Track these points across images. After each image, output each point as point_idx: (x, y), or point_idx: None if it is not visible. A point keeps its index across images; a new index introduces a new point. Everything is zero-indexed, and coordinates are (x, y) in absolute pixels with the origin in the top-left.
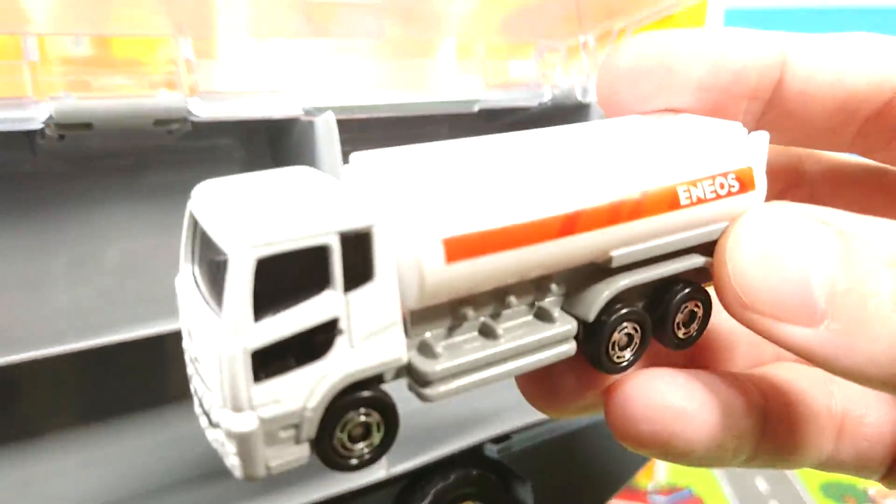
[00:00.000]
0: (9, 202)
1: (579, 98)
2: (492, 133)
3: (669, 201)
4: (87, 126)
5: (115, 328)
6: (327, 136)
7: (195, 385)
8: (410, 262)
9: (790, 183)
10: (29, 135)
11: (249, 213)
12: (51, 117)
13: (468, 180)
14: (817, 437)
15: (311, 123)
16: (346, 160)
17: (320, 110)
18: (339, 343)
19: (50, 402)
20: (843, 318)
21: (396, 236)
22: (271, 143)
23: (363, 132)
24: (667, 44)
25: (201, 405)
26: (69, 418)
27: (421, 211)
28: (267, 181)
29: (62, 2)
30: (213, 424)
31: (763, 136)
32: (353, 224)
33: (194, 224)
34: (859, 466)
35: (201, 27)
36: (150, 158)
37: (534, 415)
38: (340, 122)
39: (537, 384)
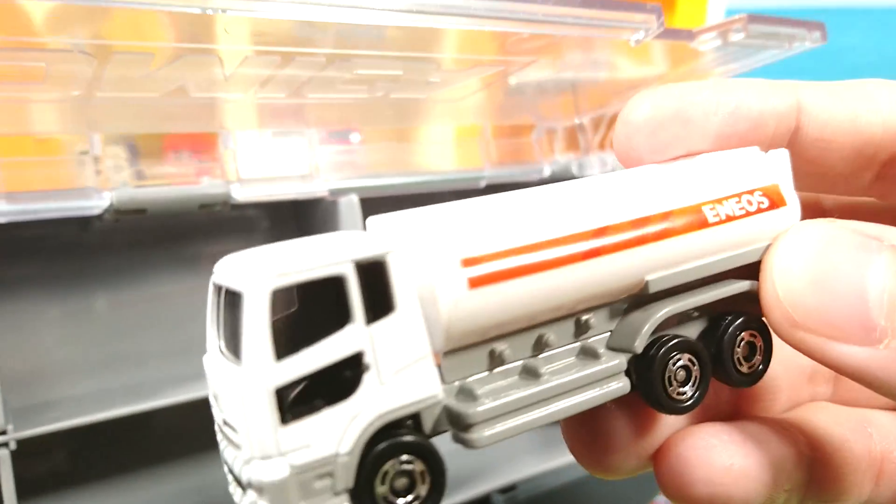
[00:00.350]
0: (69, 272)
1: (575, 173)
2: None
3: (697, 220)
4: (141, 211)
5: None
6: (350, 214)
7: (226, 456)
8: (431, 294)
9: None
10: (88, 217)
11: (265, 259)
12: (111, 205)
13: (487, 212)
14: (859, 481)
15: (335, 203)
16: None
17: (343, 191)
18: (368, 379)
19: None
20: None
21: (415, 265)
22: (297, 218)
23: (380, 208)
24: (683, 95)
25: (233, 474)
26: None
27: (437, 238)
28: (286, 244)
29: (123, 106)
30: (244, 488)
31: (783, 153)
32: (368, 252)
33: (217, 293)
34: None
35: (243, 123)
36: (190, 232)
37: (540, 464)
38: (360, 201)
39: (587, 438)
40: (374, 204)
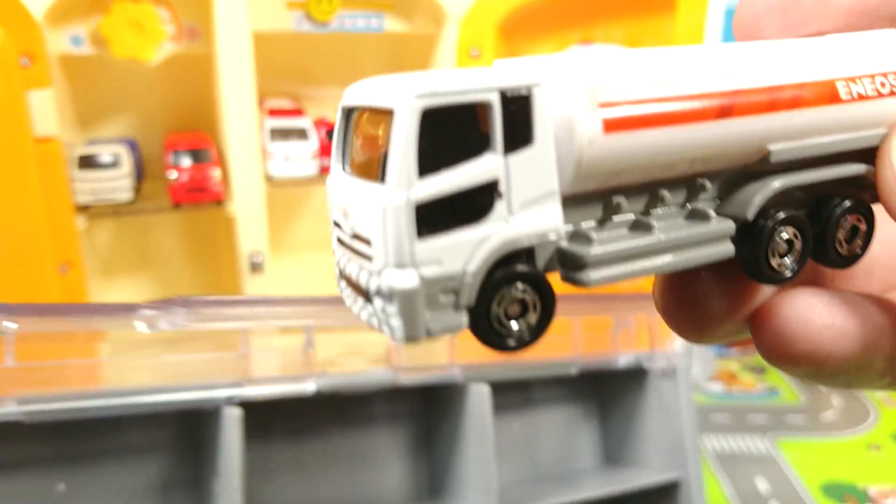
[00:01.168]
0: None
1: (644, 366)
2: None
3: (829, 94)
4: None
5: None
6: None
7: (348, 272)
8: (567, 132)
9: None
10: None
11: (413, 81)
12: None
13: (628, 60)
14: None
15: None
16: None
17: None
18: (499, 207)
19: None
20: None
21: (556, 104)
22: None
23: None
24: None
25: (355, 287)
26: None
27: (581, 78)
28: (428, 73)
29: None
30: (369, 298)
31: None
32: (515, 83)
33: (346, 117)
34: None
35: None
36: None
37: None
38: None
39: (683, 302)
40: None
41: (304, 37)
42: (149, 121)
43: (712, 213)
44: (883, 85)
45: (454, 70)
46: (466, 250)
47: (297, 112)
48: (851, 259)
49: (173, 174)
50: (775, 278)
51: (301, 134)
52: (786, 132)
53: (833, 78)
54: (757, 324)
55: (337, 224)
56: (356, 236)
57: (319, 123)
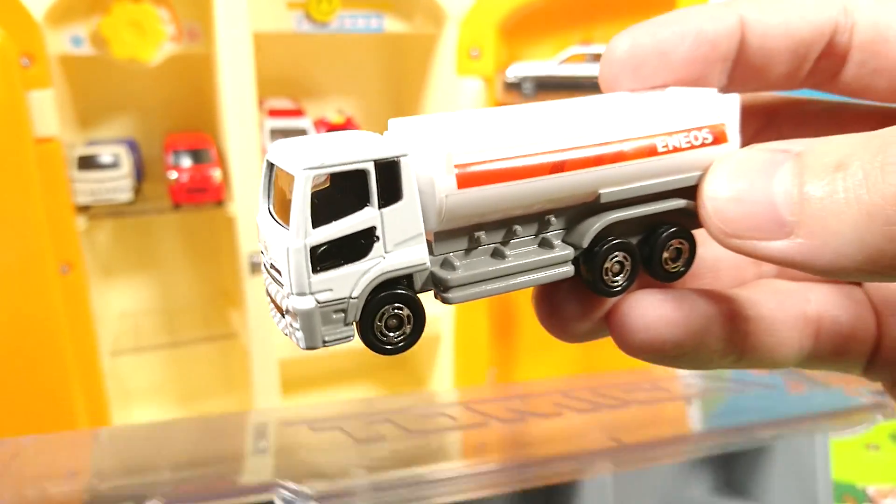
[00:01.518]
0: None
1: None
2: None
3: (649, 149)
4: None
5: None
6: None
7: (271, 290)
8: (430, 189)
9: (761, 125)
10: None
11: (311, 149)
12: None
13: (479, 126)
14: (795, 337)
15: None
16: None
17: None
18: (377, 247)
19: None
20: (808, 225)
21: (422, 167)
22: None
23: None
24: (655, 31)
25: (275, 305)
26: None
27: (440, 146)
28: (326, 137)
29: None
30: (283, 314)
31: (734, 97)
32: (387, 154)
33: (269, 168)
34: (839, 360)
35: None
36: None
37: None
38: None
39: (548, 310)
40: None
41: (304, 37)
42: (149, 121)
43: (557, 242)
44: (696, 138)
45: (347, 136)
46: (352, 280)
47: (297, 112)
48: (675, 275)
49: (173, 174)
50: (610, 292)
51: (301, 134)
52: (613, 180)
53: (652, 134)
54: (609, 322)
55: (262, 253)
56: (273, 266)
57: (319, 124)
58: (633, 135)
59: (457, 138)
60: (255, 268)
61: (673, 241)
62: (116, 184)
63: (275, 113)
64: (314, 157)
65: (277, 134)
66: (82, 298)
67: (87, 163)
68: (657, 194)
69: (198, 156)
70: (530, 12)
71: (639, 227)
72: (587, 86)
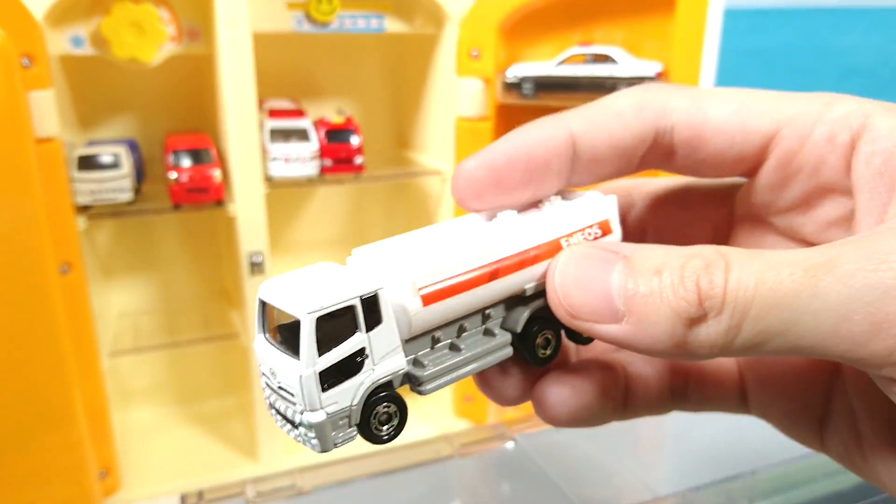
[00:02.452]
0: None
1: None
2: None
3: (556, 249)
4: None
5: None
6: None
7: (277, 406)
8: (401, 310)
9: (624, 210)
10: None
11: (303, 291)
12: None
13: (429, 252)
14: (666, 386)
15: None
16: None
17: None
18: (367, 363)
19: None
20: (634, 314)
21: (394, 295)
22: None
23: None
24: (491, 162)
25: (284, 418)
26: None
27: (404, 277)
28: (305, 275)
29: None
30: (295, 426)
31: (612, 198)
32: (368, 290)
33: (263, 307)
34: (712, 402)
35: None
36: None
37: None
38: None
39: (485, 388)
40: None
41: (305, 37)
42: (149, 121)
43: (497, 330)
44: (589, 234)
45: (324, 273)
46: (352, 392)
47: (297, 113)
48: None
49: (173, 175)
50: (543, 362)
51: (301, 135)
52: (533, 277)
53: (558, 237)
54: (533, 401)
55: (265, 375)
56: (281, 388)
57: (320, 124)
58: (544, 240)
59: (416, 267)
60: (255, 268)
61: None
62: (116, 184)
63: (275, 113)
64: (312, 300)
65: (277, 134)
66: (82, 298)
67: (88, 163)
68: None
69: (198, 156)
70: (530, 13)
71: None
72: (586, 86)
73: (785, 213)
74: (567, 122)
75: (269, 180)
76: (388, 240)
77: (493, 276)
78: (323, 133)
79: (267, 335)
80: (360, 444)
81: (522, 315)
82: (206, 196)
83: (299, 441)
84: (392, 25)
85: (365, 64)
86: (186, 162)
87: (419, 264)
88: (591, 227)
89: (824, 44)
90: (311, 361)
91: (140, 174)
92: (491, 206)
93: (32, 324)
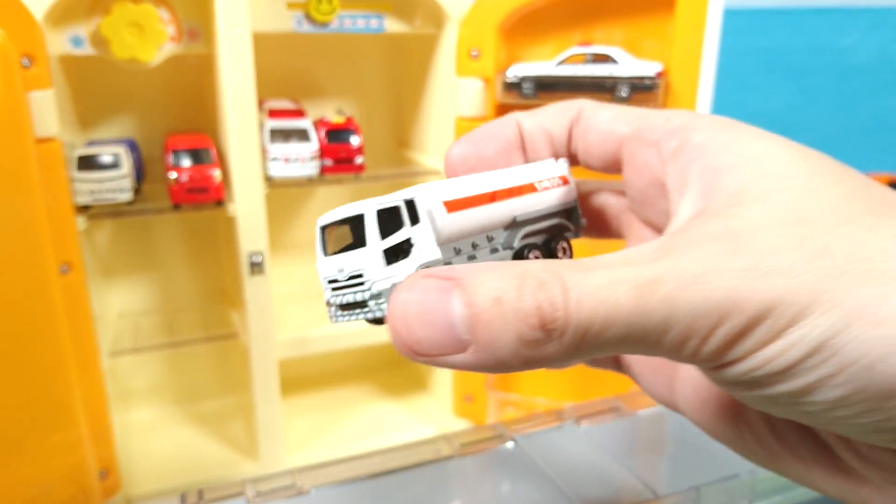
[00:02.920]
0: None
1: None
2: None
3: (532, 188)
4: None
5: None
6: None
7: (345, 301)
8: (431, 215)
9: (592, 192)
10: None
11: (360, 203)
12: None
13: (446, 184)
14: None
15: None
16: None
17: None
18: (413, 250)
19: None
20: (479, 342)
21: (425, 202)
22: None
23: None
24: (475, 141)
25: (352, 307)
26: None
27: (432, 191)
28: (351, 204)
29: None
30: (364, 304)
31: (564, 160)
32: (409, 196)
33: (323, 232)
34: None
35: None
36: None
37: None
38: None
39: None
40: None
41: (305, 37)
42: (149, 121)
43: (500, 249)
44: (552, 181)
45: (371, 199)
46: (406, 270)
47: (297, 113)
48: None
49: (173, 174)
50: None
51: (301, 135)
52: (521, 206)
53: (532, 181)
54: None
55: (331, 282)
56: (352, 277)
57: (320, 124)
58: (526, 180)
59: (438, 188)
60: (254, 268)
61: (561, 243)
62: (116, 184)
63: (275, 113)
64: (371, 202)
65: (277, 134)
66: (82, 298)
67: (87, 163)
68: (543, 216)
69: (198, 156)
70: (530, 13)
71: (546, 234)
72: (586, 86)
73: (640, 206)
74: (513, 115)
75: (268, 180)
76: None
77: (493, 198)
78: (323, 133)
79: (328, 252)
80: (359, 440)
81: (517, 235)
82: (206, 196)
83: (369, 317)
84: (392, 25)
85: (365, 64)
86: (186, 162)
87: (441, 187)
88: (554, 177)
89: (824, 43)
90: (377, 242)
91: (140, 174)
92: (475, 172)
93: (32, 323)
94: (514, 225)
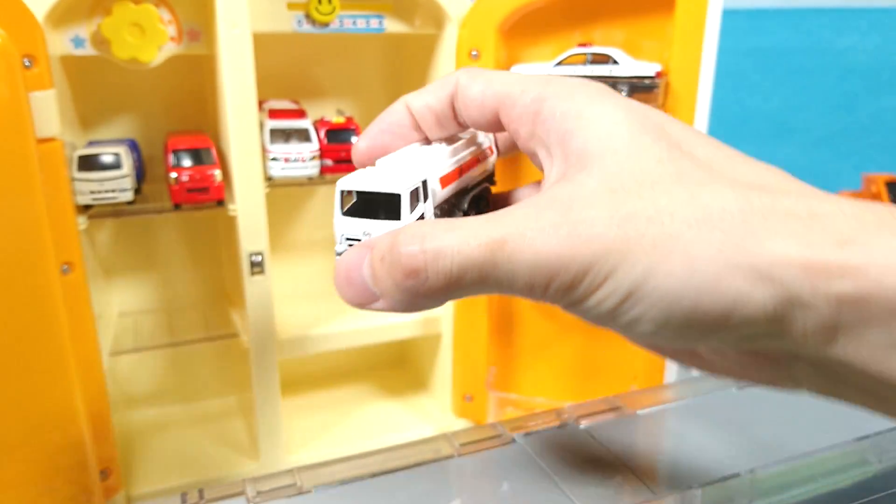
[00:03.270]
0: None
1: None
2: None
3: (477, 159)
4: None
5: None
6: None
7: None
8: (432, 190)
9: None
10: None
11: (387, 177)
12: None
13: (431, 164)
14: None
15: None
16: None
17: None
18: (426, 213)
19: None
20: (382, 293)
21: (432, 184)
22: None
23: None
24: (373, 134)
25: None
26: None
27: (432, 172)
28: (369, 171)
29: None
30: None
31: (490, 135)
32: (424, 178)
33: (342, 194)
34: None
35: None
36: None
37: None
38: None
39: None
40: None
41: (305, 38)
42: (150, 121)
43: (463, 208)
44: (488, 151)
45: (391, 171)
46: (420, 212)
47: (297, 113)
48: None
49: (174, 174)
50: None
51: (302, 135)
52: (474, 174)
53: (482, 148)
54: None
55: (349, 239)
56: (366, 234)
57: (320, 124)
58: (472, 155)
59: (432, 168)
60: (255, 268)
61: (485, 199)
62: (117, 184)
63: (275, 113)
64: (402, 183)
65: (278, 134)
66: (83, 298)
67: (88, 163)
68: (478, 183)
69: (198, 156)
70: (530, 13)
71: (471, 196)
72: None
73: (536, 163)
74: (404, 98)
75: (269, 180)
76: (391, 156)
77: (461, 172)
78: (323, 133)
79: (343, 212)
80: (360, 440)
81: (466, 199)
82: (206, 196)
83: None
84: (392, 26)
85: (365, 64)
86: (187, 162)
87: (432, 167)
88: (487, 148)
89: (824, 44)
90: (408, 216)
91: (140, 174)
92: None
93: (33, 323)
94: (466, 191)
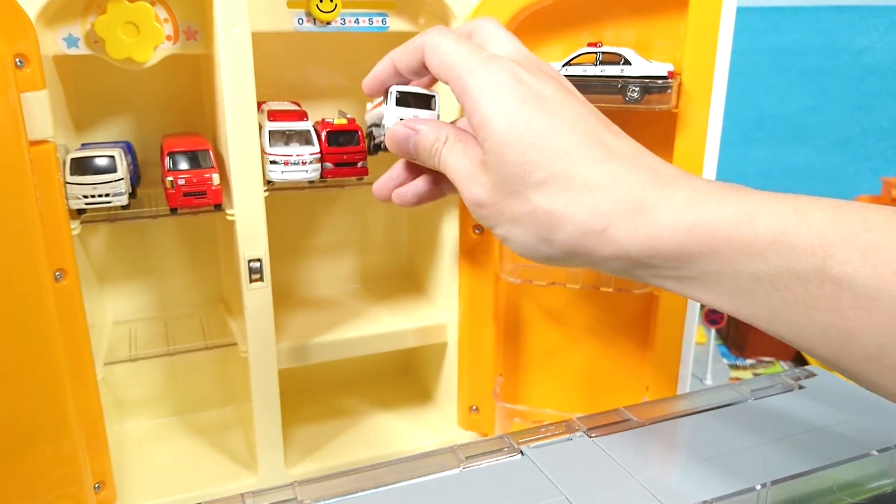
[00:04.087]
0: None
1: None
2: None
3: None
4: None
5: None
6: None
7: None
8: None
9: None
10: None
11: (418, 87)
12: None
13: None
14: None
15: None
16: None
17: None
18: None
19: None
20: (416, 153)
21: (437, 100)
22: None
23: None
24: (373, 78)
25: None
26: None
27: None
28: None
29: None
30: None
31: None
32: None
33: (387, 94)
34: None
35: None
36: None
37: None
38: None
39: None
40: None
41: (306, 37)
42: (145, 123)
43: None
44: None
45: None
46: (427, 118)
47: (298, 115)
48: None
49: (170, 178)
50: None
51: (302, 137)
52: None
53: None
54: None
55: (375, 126)
56: (415, 115)
57: (321, 126)
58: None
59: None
60: (254, 274)
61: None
62: (111, 187)
63: (275, 115)
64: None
65: (277, 136)
66: (76, 305)
67: (82, 166)
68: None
69: (196, 159)
70: (538, 12)
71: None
72: (595, 86)
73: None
74: (390, 55)
75: (268, 184)
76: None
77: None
78: (324, 135)
79: (400, 105)
80: (362, 453)
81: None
82: (204, 200)
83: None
84: (396, 24)
85: (367, 64)
86: (184, 165)
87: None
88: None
89: (841, 43)
90: (437, 108)
91: (136, 177)
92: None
93: (25, 331)
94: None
